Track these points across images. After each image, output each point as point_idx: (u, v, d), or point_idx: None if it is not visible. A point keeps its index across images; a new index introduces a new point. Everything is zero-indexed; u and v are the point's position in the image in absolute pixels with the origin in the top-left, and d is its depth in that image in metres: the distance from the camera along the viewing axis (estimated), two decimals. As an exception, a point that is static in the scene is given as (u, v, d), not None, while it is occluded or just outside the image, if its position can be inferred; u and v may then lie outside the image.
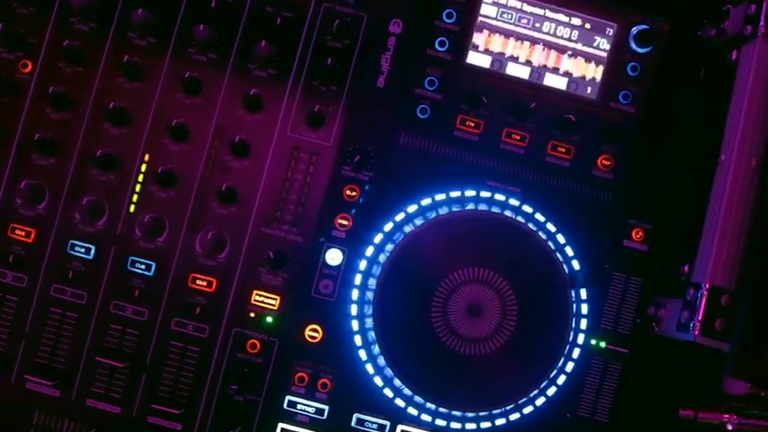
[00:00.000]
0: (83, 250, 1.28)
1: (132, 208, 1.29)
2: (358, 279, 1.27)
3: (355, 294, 1.27)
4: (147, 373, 1.27)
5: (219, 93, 1.29)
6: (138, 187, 1.29)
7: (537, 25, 1.29)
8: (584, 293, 1.27)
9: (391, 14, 1.30)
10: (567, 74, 1.29)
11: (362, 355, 1.26)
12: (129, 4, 1.30)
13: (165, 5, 1.29)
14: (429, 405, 1.25)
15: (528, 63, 1.30)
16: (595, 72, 1.29)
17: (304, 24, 1.30)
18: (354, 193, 1.28)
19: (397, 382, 1.23)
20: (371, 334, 1.26)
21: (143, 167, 1.29)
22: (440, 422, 1.26)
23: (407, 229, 1.28)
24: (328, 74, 1.27)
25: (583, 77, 1.29)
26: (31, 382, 1.27)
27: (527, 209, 1.29)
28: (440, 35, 1.29)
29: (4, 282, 1.28)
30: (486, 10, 1.29)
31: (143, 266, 1.28)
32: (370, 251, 1.28)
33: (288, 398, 1.27)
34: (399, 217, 1.28)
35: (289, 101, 1.29)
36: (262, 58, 1.27)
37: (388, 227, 1.28)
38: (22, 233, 1.29)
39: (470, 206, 1.28)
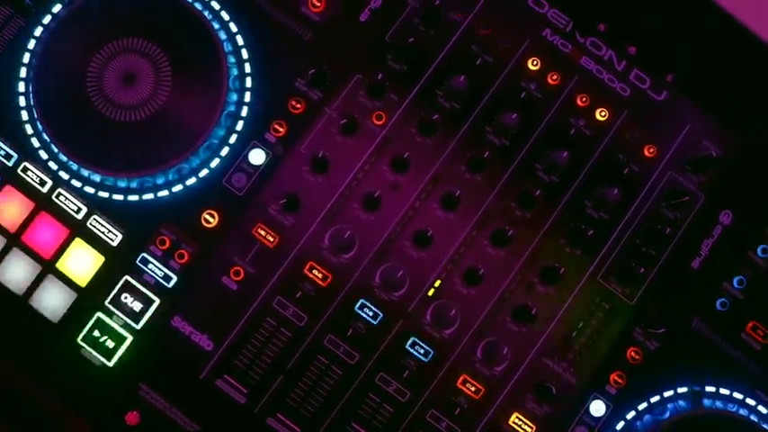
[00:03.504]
0: (370, 314, 1.29)
1: (431, 292, 1.29)
2: (611, 437, 1.30)
3: (604, 450, 1.30)
4: (387, 453, 1.28)
5: (549, 218, 1.31)
6: (444, 274, 1.29)
7: None
8: None
9: (727, 205, 1.34)
10: None
11: None
12: (499, 103, 1.31)
13: (534, 114, 1.31)
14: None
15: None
16: None
17: (646, 183, 1.33)
18: (638, 357, 1.31)
19: None
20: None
21: (456, 257, 1.29)
22: None
23: (670, 405, 1.31)
24: (657, 240, 1.31)
25: None
26: (277, 421, 1.26)
27: (780, 428, 1.34)
28: (766, 242, 1.34)
29: (283, 314, 1.28)
30: (812, 240, 1.34)
31: (422, 351, 1.29)
32: (630, 415, 1.31)
33: None
34: (668, 393, 1.31)
35: (609, 248, 1.31)
36: (602, 200, 1.30)
37: (655, 399, 1.31)
38: (319, 275, 1.29)
39: (732, 407, 1.32)
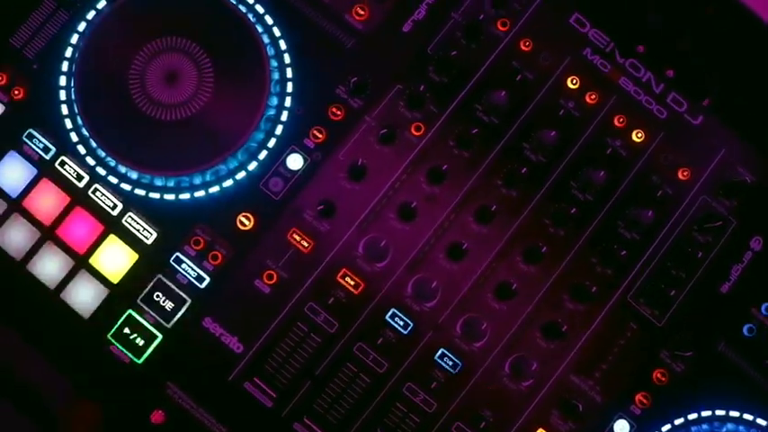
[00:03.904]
0: (401, 323, 1.29)
1: (462, 304, 1.30)
2: (632, 458, 1.31)
3: (624, 471, 1.31)
4: (410, 464, 1.28)
5: (583, 236, 1.32)
6: (476, 288, 1.30)
7: None
8: None
9: (758, 231, 1.34)
10: None
11: None
12: (538, 119, 1.32)
13: (571, 132, 1.32)
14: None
15: None
16: None
17: (679, 206, 1.33)
18: (664, 379, 1.32)
19: None
20: None
21: (488, 269, 1.30)
22: None
23: (694, 428, 1.32)
24: (688, 263, 1.31)
25: None
26: (304, 426, 1.27)
27: (801, 455, 1.34)
28: (795, 270, 1.35)
29: (314, 319, 1.28)
30: (843, 267, 1.35)
31: (450, 363, 1.29)
32: (654, 438, 1.31)
33: None
34: (692, 416, 1.32)
35: (640, 269, 1.32)
36: (636, 221, 1.31)
37: (679, 421, 1.32)
38: (352, 282, 1.29)
39: (755, 433, 1.33)
